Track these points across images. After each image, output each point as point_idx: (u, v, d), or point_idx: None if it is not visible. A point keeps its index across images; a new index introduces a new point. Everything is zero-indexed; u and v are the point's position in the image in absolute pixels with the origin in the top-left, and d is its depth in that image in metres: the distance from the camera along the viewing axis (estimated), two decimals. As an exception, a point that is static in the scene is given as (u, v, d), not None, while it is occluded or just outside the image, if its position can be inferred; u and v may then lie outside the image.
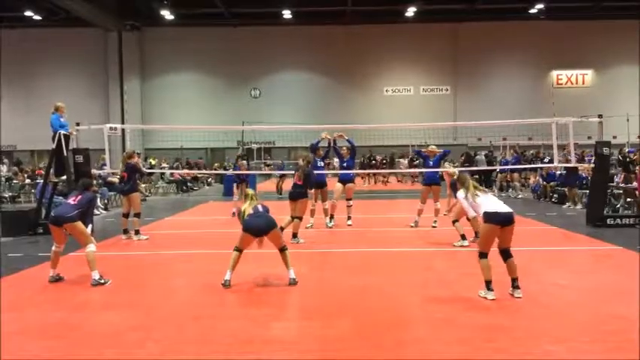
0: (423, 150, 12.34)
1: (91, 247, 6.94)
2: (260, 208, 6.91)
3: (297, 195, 9.69)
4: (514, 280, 6.11)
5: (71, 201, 7.13)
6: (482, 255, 6.07)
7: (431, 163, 11.62)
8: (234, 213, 13.74)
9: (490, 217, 6.02)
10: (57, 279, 7.04)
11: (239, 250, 6.76)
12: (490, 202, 6.21)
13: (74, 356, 4.59)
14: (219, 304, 6.09)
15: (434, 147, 12.05)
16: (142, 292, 6.71)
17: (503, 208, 6.10)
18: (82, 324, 5.40)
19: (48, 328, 5.29)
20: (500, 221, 5.99)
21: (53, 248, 7.07)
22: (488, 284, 6.02)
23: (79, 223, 6.92)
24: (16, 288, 6.89)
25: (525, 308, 5.69)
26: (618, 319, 5.28)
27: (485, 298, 5.99)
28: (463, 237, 9.23)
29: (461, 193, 6.60)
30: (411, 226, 11.47)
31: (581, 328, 5.10)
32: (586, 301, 6.01)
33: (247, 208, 6.92)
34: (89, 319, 5.58)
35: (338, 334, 5.00)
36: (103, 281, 6.83)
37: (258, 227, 6.74)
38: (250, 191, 7.23)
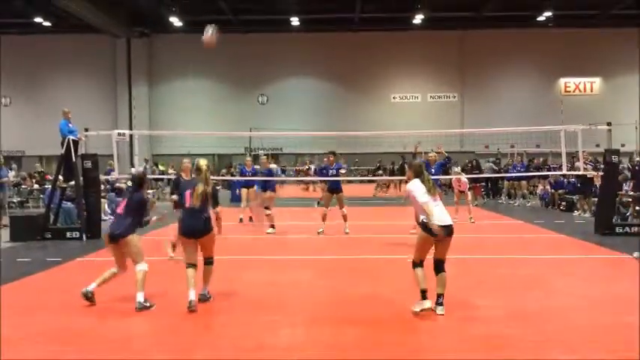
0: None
1: (143, 266, 6.15)
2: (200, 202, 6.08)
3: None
4: (439, 295, 5.67)
5: (119, 210, 6.36)
6: (416, 264, 5.73)
7: (433, 170, 11.10)
8: (241, 219, 13.76)
9: (428, 227, 5.55)
10: (89, 298, 6.10)
11: (193, 265, 6.16)
12: (435, 210, 5.61)
13: (82, 362, 4.59)
14: (228, 310, 6.07)
15: (434, 154, 11.71)
16: (149, 298, 6.66)
17: (444, 220, 5.62)
18: (89, 330, 5.40)
19: (56, 333, 5.28)
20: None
21: (112, 269, 6.30)
22: (424, 293, 5.64)
23: (134, 237, 6.18)
24: (24, 293, 6.89)
25: (535, 317, 5.63)
26: (631, 328, 5.20)
27: (422, 309, 5.58)
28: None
29: (417, 184, 5.73)
30: (411, 233, 11.35)
31: (594, 338, 5.03)
32: (598, 310, 5.94)
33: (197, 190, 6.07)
34: (98, 325, 5.57)
35: (347, 341, 4.96)
36: (148, 304, 6.06)
37: (193, 229, 6.12)
38: (203, 164, 6.21)
